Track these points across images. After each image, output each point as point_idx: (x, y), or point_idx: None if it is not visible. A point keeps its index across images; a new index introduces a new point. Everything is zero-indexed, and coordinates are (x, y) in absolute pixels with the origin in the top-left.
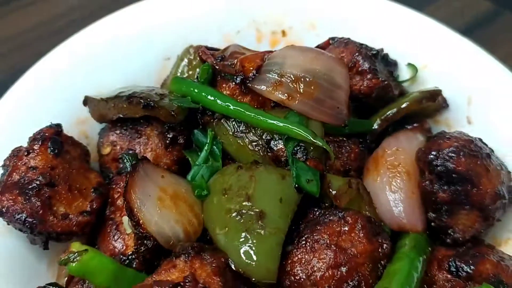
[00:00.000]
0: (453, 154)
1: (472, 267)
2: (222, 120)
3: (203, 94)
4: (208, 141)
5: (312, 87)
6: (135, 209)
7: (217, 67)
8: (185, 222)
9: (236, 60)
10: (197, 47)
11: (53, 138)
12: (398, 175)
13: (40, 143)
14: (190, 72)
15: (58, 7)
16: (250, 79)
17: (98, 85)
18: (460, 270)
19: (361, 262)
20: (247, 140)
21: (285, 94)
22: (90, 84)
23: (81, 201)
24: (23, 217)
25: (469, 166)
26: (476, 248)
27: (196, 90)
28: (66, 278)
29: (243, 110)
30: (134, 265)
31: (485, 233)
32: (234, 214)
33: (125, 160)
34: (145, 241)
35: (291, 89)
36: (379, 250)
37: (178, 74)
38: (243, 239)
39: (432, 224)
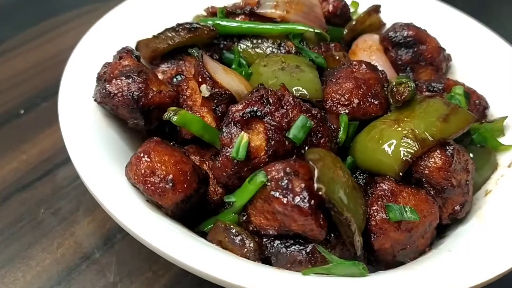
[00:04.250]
0: (404, 27)
1: (442, 83)
2: (240, 41)
3: (221, 22)
4: (235, 54)
5: (299, 5)
6: (212, 73)
7: (228, 9)
8: (243, 84)
9: (241, 1)
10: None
11: (133, 50)
12: (372, 52)
13: (126, 53)
14: None
15: None
16: (256, 7)
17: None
18: (435, 86)
19: (373, 83)
20: (264, 48)
21: (284, 11)
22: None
23: (165, 87)
24: (132, 92)
25: (416, 32)
26: None
27: (216, 21)
28: None
29: (255, 25)
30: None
31: None
32: (278, 70)
33: (194, 52)
34: (220, 97)
35: (286, 7)
36: (381, 76)
37: None
38: (292, 78)
39: None
